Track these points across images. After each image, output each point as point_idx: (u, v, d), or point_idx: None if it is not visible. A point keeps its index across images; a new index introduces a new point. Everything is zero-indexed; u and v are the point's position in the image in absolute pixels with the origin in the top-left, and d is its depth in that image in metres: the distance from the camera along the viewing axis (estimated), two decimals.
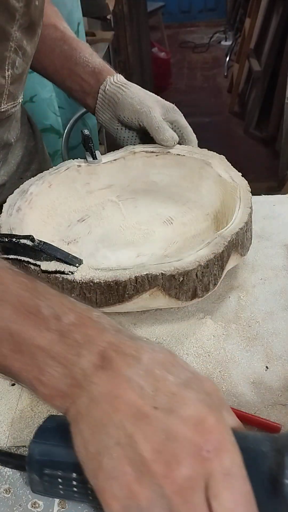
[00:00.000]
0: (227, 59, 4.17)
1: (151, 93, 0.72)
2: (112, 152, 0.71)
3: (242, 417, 0.43)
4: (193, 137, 0.71)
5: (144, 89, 0.71)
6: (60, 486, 0.36)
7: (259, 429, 0.43)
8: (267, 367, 0.48)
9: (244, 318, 0.54)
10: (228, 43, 4.54)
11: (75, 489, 0.36)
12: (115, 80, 0.70)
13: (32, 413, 0.46)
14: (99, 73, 0.70)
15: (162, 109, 0.69)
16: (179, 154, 0.69)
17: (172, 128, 0.69)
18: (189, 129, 0.71)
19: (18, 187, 0.64)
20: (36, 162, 0.80)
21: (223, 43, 4.80)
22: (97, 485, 0.31)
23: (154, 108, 0.67)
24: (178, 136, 0.69)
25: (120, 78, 0.71)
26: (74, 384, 0.33)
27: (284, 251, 0.63)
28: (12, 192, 0.63)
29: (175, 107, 0.71)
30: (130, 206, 0.68)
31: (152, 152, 0.70)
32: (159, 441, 0.30)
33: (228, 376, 0.47)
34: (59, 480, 0.36)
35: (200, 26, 5.38)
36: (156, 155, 0.70)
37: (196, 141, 0.71)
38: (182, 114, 0.71)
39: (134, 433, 0.30)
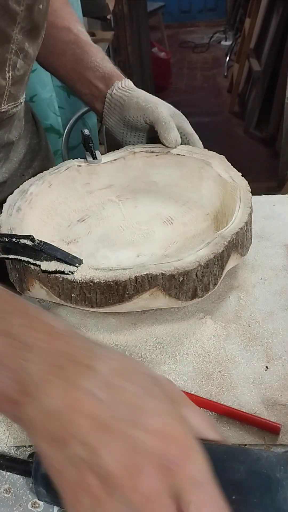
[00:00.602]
0: (227, 59, 4.16)
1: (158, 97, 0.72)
2: (112, 152, 0.71)
3: (242, 417, 0.43)
4: (199, 144, 0.70)
5: (150, 94, 0.72)
6: None
7: (259, 429, 0.43)
8: (267, 367, 0.48)
9: (244, 318, 0.54)
10: (228, 43, 4.54)
11: None
12: (123, 85, 0.70)
13: None
14: (108, 78, 0.71)
15: (169, 111, 0.68)
16: (179, 154, 0.69)
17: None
18: (195, 136, 0.70)
19: (20, 184, 0.64)
20: (38, 159, 0.81)
21: (223, 43, 4.79)
22: (65, 498, 0.30)
23: (161, 105, 0.67)
24: (184, 143, 0.69)
25: (128, 83, 0.71)
26: (23, 391, 0.31)
27: (284, 251, 0.63)
28: (13, 190, 0.63)
29: (182, 114, 0.70)
30: (130, 206, 0.68)
31: (152, 152, 0.70)
32: (123, 453, 0.29)
33: (228, 376, 0.47)
34: None
35: (200, 26, 5.38)
36: (156, 155, 0.70)
37: (203, 148, 0.71)
38: (188, 121, 0.70)
39: (97, 447, 0.30)
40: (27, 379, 0.31)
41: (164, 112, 0.66)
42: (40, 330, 0.33)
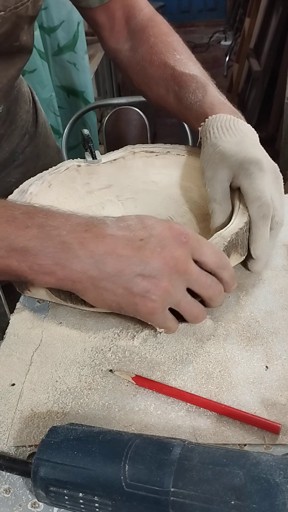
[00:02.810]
0: (227, 59, 4.17)
1: (228, 143, 0.56)
2: (111, 152, 0.71)
3: (242, 416, 0.43)
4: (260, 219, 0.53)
5: (228, 136, 0.57)
6: (67, 502, 0.36)
7: (259, 429, 0.43)
8: (267, 366, 0.48)
9: (243, 317, 0.54)
10: (228, 43, 4.54)
11: (82, 506, 0.36)
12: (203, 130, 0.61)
13: (32, 413, 0.46)
14: (199, 119, 0.62)
15: (227, 171, 0.56)
16: (179, 154, 0.69)
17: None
18: (252, 196, 0.53)
19: None
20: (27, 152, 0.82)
21: (222, 43, 4.80)
22: (138, 311, 0.46)
23: (214, 178, 0.56)
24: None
25: (204, 129, 0.60)
26: (67, 257, 0.44)
27: (284, 251, 0.63)
28: None
29: (253, 163, 0.54)
30: (130, 206, 0.68)
31: (152, 152, 0.70)
32: (159, 251, 0.44)
33: (228, 376, 0.47)
34: (66, 497, 0.36)
35: (200, 26, 5.39)
36: (156, 155, 0.70)
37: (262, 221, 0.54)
38: (255, 172, 0.54)
39: (142, 261, 0.44)
40: (67, 246, 0.45)
41: (214, 186, 0.56)
42: (58, 216, 0.47)
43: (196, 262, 0.47)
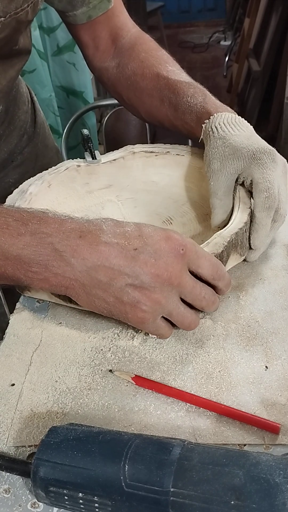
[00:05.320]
0: (227, 59, 4.17)
1: (238, 137, 0.57)
2: (111, 152, 0.71)
3: (242, 417, 0.43)
4: (260, 199, 0.54)
5: (232, 133, 0.58)
6: (67, 502, 0.36)
7: (258, 429, 0.43)
8: (266, 366, 0.48)
9: (243, 317, 0.54)
10: (227, 43, 4.54)
11: (82, 506, 0.36)
12: (205, 130, 0.61)
13: (31, 413, 0.46)
14: (201, 118, 0.62)
15: (237, 163, 0.56)
16: (178, 154, 0.69)
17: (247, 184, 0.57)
18: (261, 186, 0.54)
19: None
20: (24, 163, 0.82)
21: (222, 43, 4.80)
22: (130, 319, 0.46)
23: (220, 171, 0.57)
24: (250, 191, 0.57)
25: (209, 125, 0.60)
26: (60, 265, 0.44)
27: (283, 251, 0.63)
28: None
29: (266, 153, 0.55)
30: (130, 206, 0.68)
31: (151, 152, 0.70)
32: (153, 262, 0.44)
33: (228, 376, 0.47)
34: (65, 497, 0.36)
35: (200, 26, 5.39)
36: (156, 155, 0.70)
37: (267, 208, 0.54)
38: (268, 162, 0.55)
39: (134, 271, 0.43)
40: (60, 254, 0.44)
41: (216, 185, 0.56)
42: (51, 222, 0.46)
43: (192, 273, 0.46)
